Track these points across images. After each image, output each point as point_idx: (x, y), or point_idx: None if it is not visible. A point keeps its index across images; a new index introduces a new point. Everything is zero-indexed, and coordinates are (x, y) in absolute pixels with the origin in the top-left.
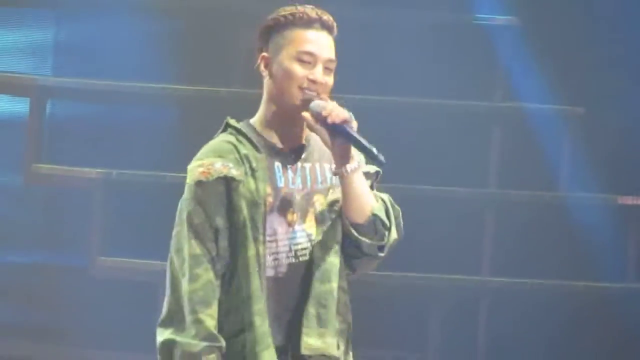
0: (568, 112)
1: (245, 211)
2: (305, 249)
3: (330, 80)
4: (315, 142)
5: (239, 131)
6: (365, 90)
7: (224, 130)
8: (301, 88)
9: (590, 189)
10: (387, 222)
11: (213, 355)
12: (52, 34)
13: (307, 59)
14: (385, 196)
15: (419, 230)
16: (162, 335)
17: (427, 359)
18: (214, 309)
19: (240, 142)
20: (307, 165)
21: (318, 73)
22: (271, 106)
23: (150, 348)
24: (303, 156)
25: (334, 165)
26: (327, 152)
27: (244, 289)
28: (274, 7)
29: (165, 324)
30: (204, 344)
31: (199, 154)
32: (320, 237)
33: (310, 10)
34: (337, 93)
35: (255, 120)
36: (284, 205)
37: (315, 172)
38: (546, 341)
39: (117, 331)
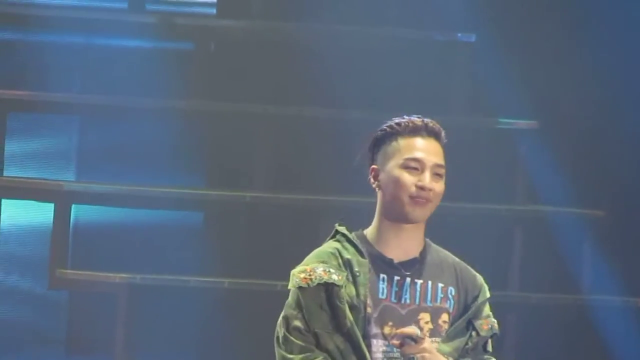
0: (588, 215)
1: (349, 315)
2: None
3: (439, 186)
4: (432, 258)
5: (345, 237)
6: None
7: (332, 237)
8: (411, 197)
9: (611, 292)
10: None
11: None
12: (75, 138)
13: (414, 165)
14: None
15: None
16: None
17: None
18: None
19: (345, 248)
20: (419, 281)
21: (426, 179)
22: (383, 217)
23: None
24: (414, 271)
25: (452, 288)
26: (444, 271)
27: None
28: (293, 109)
29: None
30: None
31: (304, 261)
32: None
33: (416, 119)
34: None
35: (368, 230)
36: (382, 318)
37: (426, 289)
38: None
39: None
